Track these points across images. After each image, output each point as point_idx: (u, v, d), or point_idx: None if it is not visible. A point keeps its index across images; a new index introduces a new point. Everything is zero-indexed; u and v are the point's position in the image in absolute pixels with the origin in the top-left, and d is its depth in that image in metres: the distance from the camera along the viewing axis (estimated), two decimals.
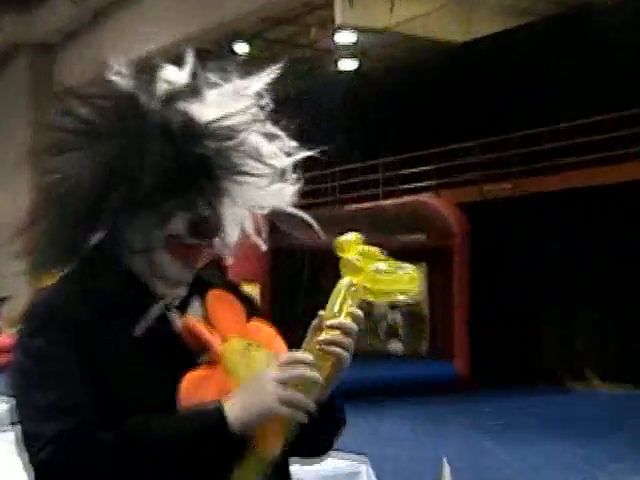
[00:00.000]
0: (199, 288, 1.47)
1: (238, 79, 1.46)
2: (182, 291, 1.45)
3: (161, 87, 1.42)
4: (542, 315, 14.02)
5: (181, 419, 1.32)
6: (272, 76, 1.48)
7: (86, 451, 1.27)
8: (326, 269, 12.51)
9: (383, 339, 15.45)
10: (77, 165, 1.39)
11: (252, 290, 12.19)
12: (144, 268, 1.43)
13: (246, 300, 1.52)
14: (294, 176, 1.49)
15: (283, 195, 1.48)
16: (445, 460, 1.96)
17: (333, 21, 15.60)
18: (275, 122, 1.49)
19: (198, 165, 1.38)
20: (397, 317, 15.14)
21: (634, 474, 7.28)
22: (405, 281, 1.37)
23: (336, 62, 17.94)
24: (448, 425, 9.56)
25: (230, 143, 1.40)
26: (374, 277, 1.35)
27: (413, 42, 16.44)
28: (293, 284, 13.33)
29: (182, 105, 1.40)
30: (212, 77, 1.45)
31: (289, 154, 1.48)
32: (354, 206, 14.89)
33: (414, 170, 15.39)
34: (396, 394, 11.38)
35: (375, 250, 1.39)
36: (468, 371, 13.26)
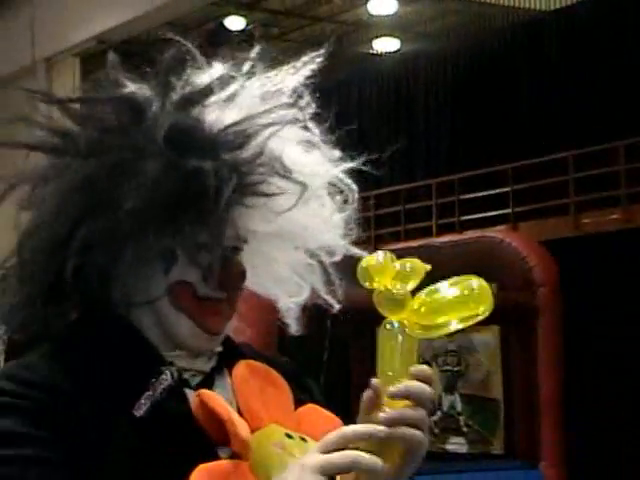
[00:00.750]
0: (232, 362, 1.51)
1: (266, 71, 1.54)
2: (204, 364, 1.50)
3: (174, 89, 1.50)
4: None
5: None
6: (313, 66, 1.56)
7: None
8: (361, 335, 12.64)
9: (439, 435, 15.46)
10: (47, 194, 1.47)
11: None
12: (151, 327, 1.49)
13: (301, 384, 1.57)
14: (343, 199, 1.55)
15: (330, 226, 1.53)
16: None
17: None
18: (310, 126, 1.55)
19: (196, 183, 1.43)
20: (457, 403, 15.12)
21: None
22: (471, 298, 1.40)
23: (369, 42, 18.29)
24: None
25: (244, 153, 1.45)
26: (425, 305, 1.37)
27: (477, 11, 16.71)
28: (315, 355, 13.42)
29: (197, 110, 1.49)
30: (233, 69, 1.54)
31: (330, 167, 1.54)
32: (395, 245, 14.97)
33: (481, 194, 15.75)
34: None
35: (416, 264, 1.41)
36: (561, 479, 13.27)
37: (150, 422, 1.41)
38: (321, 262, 1.58)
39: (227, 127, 1.48)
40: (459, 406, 15.95)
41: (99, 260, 1.44)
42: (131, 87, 1.52)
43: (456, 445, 15.30)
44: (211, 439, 1.42)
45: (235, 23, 18.08)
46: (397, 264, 1.39)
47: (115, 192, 1.42)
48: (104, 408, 1.41)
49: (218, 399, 1.44)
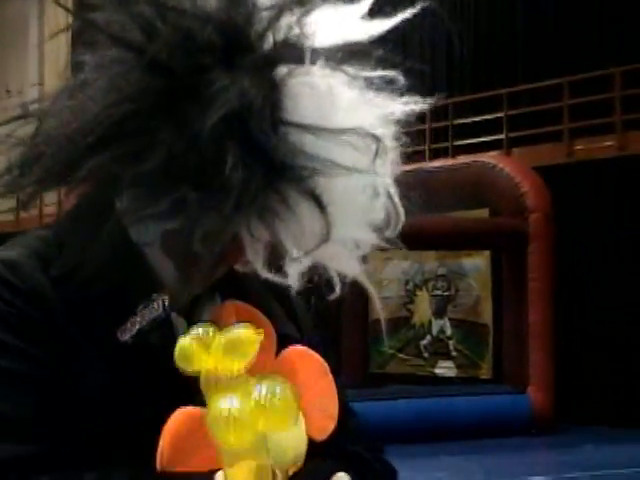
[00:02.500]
0: (226, 290, 1.48)
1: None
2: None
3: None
4: None
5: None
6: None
7: None
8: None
9: (428, 359, 16.03)
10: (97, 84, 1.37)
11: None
12: (150, 243, 1.44)
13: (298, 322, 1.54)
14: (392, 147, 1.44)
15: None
16: None
17: None
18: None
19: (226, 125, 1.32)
20: (446, 327, 15.51)
21: None
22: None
23: None
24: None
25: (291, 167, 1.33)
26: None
27: None
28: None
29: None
30: None
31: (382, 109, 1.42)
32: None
33: (475, 119, 15.80)
34: (447, 436, 11.76)
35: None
36: (548, 405, 13.71)
37: (132, 349, 1.39)
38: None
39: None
40: (448, 330, 16.59)
41: (122, 159, 1.36)
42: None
43: (445, 369, 15.83)
44: (187, 379, 1.37)
45: None
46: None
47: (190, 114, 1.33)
48: (88, 325, 1.39)
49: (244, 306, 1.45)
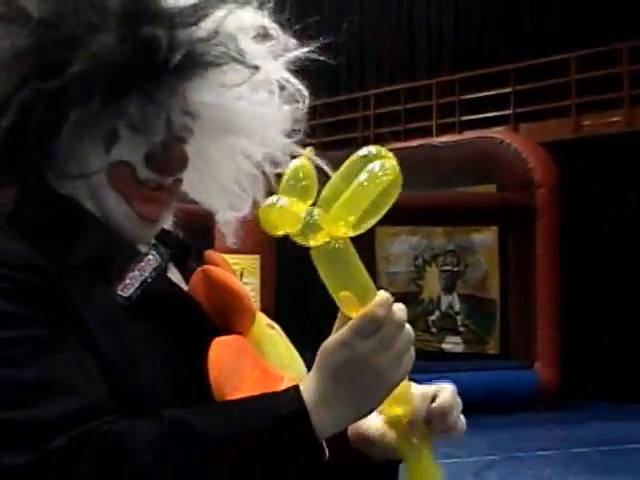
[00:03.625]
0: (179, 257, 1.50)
1: None
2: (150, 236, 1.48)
3: None
4: None
5: (244, 406, 1.32)
6: None
7: (120, 447, 1.25)
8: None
9: (436, 334, 16.16)
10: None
11: (251, 264, 12.50)
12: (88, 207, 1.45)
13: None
14: (297, 93, 1.50)
15: (278, 119, 1.49)
16: None
17: None
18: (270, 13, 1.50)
19: (148, 53, 1.39)
20: (455, 304, 15.50)
21: None
22: (376, 175, 1.31)
23: None
24: (527, 460, 10.02)
25: (199, 31, 1.42)
26: (340, 208, 1.31)
27: None
28: (306, 254, 13.60)
29: None
30: None
31: (286, 54, 1.50)
32: (395, 144, 15.16)
33: (481, 94, 15.82)
34: None
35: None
36: (555, 379, 13.78)
37: (142, 302, 1.38)
38: (265, 174, 1.54)
39: (185, 5, 1.43)
40: (457, 306, 16.60)
41: (40, 122, 1.39)
42: None
43: (452, 344, 15.87)
44: (210, 316, 1.42)
45: None
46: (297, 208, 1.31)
47: (65, 58, 1.38)
48: (87, 287, 1.37)
49: (229, 275, 1.45)
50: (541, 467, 10.04)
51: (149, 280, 1.40)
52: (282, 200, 1.31)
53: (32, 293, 1.34)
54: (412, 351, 1.29)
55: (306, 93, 1.54)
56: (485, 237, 16.40)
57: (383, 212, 1.28)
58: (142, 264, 1.41)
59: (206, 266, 1.46)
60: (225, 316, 1.45)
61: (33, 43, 1.40)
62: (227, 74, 1.45)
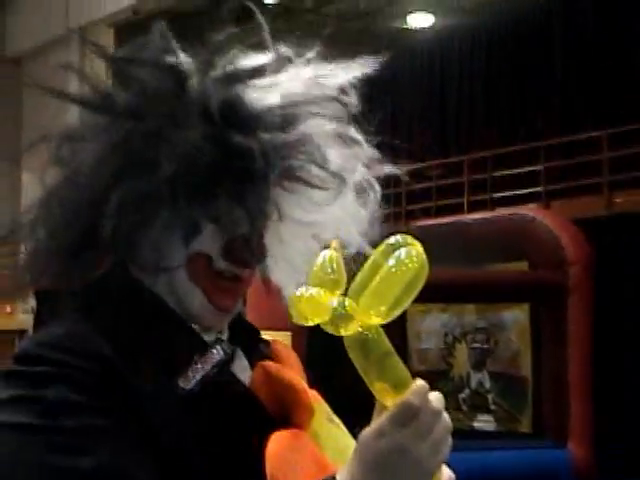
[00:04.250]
0: (238, 337, 1.54)
1: (320, 62, 1.55)
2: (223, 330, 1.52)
3: (218, 65, 1.52)
4: None
5: None
6: (367, 67, 1.56)
7: None
8: None
9: (466, 412, 15.71)
10: (81, 152, 1.48)
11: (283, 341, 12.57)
12: (165, 295, 1.48)
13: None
14: (373, 197, 1.56)
15: (357, 220, 1.54)
16: None
17: None
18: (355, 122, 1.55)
19: (240, 159, 1.43)
20: (485, 381, 15.29)
21: None
22: (403, 263, 1.34)
23: (404, 16, 18.57)
24: None
25: (287, 136, 1.44)
26: (370, 297, 1.34)
27: None
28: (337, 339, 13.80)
29: (240, 87, 1.48)
30: (286, 53, 1.55)
31: (367, 166, 1.56)
32: (426, 221, 15.34)
33: (513, 171, 15.94)
34: None
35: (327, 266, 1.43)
36: (590, 459, 13.39)
37: (203, 396, 1.41)
38: None
39: (271, 108, 1.48)
40: (487, 384, 16.10)
41: (130, 222, 1.42)
42: (176, 56, 1.54)
43: (484, 423, 15.41)
44: (269, 412, 1.45)
45: None
46: (329, 297, 1.37)
47: (152, 157, 1.42)
48: (150, 379, 1.39)
49: (287, 370, 1.50)
50: None
51: (211, 374, 1.42)
52: (311, 290, 1.34)
53: (97, 383, 1.34)
54: (449, 439, 1.30)
55: (379, 194, 1.58)
56: (516, 314, 15.93)
57: (411, 299, 1.29)
58: (206, 358, 1.43)
59: (265, 362, 1.48)
60: (284, 410, 1.46)
61: (124, 137, 1.43)
62: (312, 180, 1.48)
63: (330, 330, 1.33)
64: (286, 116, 1.48)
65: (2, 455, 1.33)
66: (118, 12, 22.91)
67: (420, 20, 20.60)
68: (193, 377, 1.41)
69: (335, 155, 1.52)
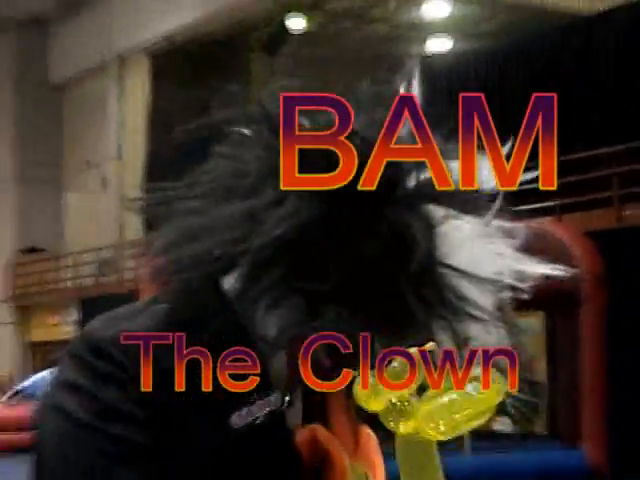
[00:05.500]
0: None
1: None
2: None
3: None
4: None
5: None
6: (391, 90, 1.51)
7: None
8: None
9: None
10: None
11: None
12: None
13: None
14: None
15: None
16: None
17: None
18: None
19: (408, 298, 1.38)
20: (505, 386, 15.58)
21: None
22: (488, 399, 1.33)
23: (423, 41, 18.94)
24: None
25: (452, 312, 1.40)
26: (435, 411, 1.31)
27: (525, 13, 17.53)
28: None
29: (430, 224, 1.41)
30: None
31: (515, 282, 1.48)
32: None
33: (527, 187, 15.67)
34: None
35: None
36: (604, 460, 13.74)
37: (246, 437, 1.41)
38: None
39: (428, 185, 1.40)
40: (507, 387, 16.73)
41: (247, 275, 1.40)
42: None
43: (502, 424, 15.34)
44: (305, 468, 1.45)
45: (296, 23, 19.09)
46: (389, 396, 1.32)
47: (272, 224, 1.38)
48: (202, 408, 1.40)
49: (334, 440, 1.46)
50: None
51: (261, 419, 1.40)
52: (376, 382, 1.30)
53: (153, 403, 1.36)
54: None
55: None
56: (531, 322, 16.10)
57: (473, 426, 1.29)
58: (262, 402, 1.40)
59: (315, 426, 1.45)
60: (322, 475, 1.46)
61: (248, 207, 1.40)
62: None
63: (387, 424, 1.32)
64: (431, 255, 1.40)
65: (55, 437, 1.39)
66: (153, 41, 23.64)
67: (439, 45, 21.12)
68: (246, 417, 1.40)
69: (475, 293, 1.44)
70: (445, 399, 1.26)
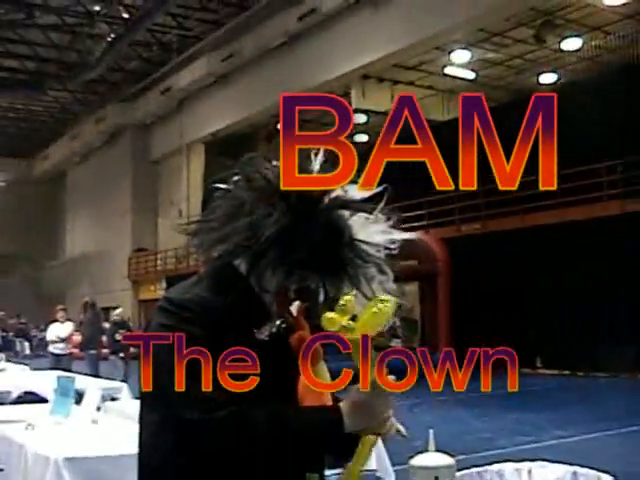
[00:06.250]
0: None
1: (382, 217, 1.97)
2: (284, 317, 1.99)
3: (338, 192, 1.93)
4: (504, 318, 20.97)
5: (310, 412, 1.90)
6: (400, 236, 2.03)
7: (247, 423, 1.81)
8: None
9: (387, 337, 20.03)
10: (264, 213, 1.92)
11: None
12: (260, 295, 1.95)
13: None
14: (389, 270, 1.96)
15: (382, 285, 1.95)
16: (431, 431, 2.72)
17: (350, 105, 24.37)
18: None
19: (338, 261, 1.91)
20: (397, 321, 23.12)
21: (570, 437, 10.65)
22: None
23: (352, 136, 25.99)
24: (432, 400, 11.66)
25: (363, 262, 1.91)
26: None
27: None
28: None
29: (344, 218, 1.94)
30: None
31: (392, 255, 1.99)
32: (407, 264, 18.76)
33: (411, 214, 21.16)
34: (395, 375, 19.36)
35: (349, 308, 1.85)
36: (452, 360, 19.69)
37: (266, 342, 1.96)
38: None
39: (360, 240, 1.96)
40: (397, 323, 22.55)
41: (269, 260, 1.93)
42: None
43: (395, 342, 21.24)
44: (295, 356, 1.94)
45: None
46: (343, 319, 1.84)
47: (290, 242, 1.90)
48: (239, 327, 1.95)
49: (308, 334, 1.98)
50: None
51: (274, 331, 2.00)
52: (332, 314, 1.81)
53: (213, 327, 1.90)
54: (391, 410, 1.90)
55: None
56: (412, 287, 23.19)
57: (380, 327, 1.86)
58: (271, 324, 1.99)
59: (302, 332, 2.02)
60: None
61: (289, 227, 1.94)
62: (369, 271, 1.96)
63: (343, 333, 1.80)
64: (367, 249, 1.94)
65: (161, 360, 1.88)
66: (206, 136, 30.93)
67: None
68: (264, 332, 1.96)
69: (383, 262, 1.95)
70: (365, 317, 1.81)
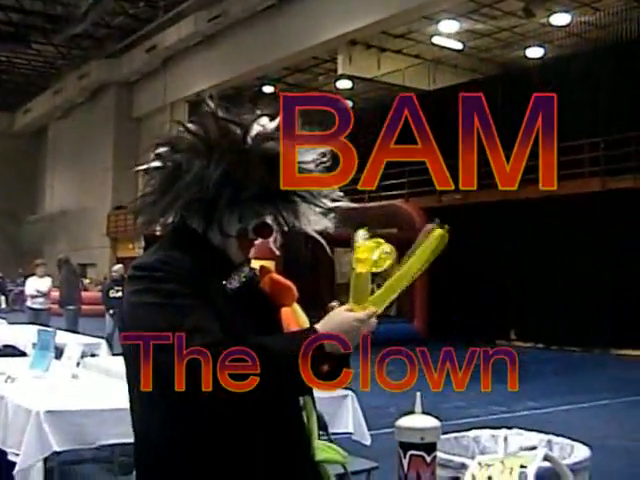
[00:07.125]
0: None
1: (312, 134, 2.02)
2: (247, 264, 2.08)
3: (257, 128, 2.07)
4: (480, 290, 21.21)
5: (290, 335, 2.00)
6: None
7: (236, 355, 1.83)
8: (322, 252, 20.20)
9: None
10: (201, 166, 2.00)
11: (270, 265, 21.58)
12: (222, 246, 2.05)
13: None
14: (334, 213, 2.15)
15: (328, 221, 2.15)
16: (418, 394, 2.64)
17: (335, 71, 23.97)
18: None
19: (283, 190, 1.98)
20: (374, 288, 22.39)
21: (543, 408, 10.79)
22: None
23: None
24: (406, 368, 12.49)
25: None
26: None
27: (393, 88, 24.15)
28: (300, 261, 19.60)
29: (273, 144, 2.03)
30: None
31: (336, 200, 2.15)
32: (345, 205, 21.08)
33: (392, 182, 21.59)
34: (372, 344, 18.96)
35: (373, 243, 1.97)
36: (425, 330, 19.69)
37: (236, 292, 2.03)
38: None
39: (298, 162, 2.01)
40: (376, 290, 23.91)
41: (224, 206, 2.04)
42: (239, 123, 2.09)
43: None
44: (272, 300, 2.07)
45: (268, 88, 26.83)
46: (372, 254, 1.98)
47: (244, 179, 2.02)
48: (209, 281, 2.01)
49: (279, 276, 2.10)
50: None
51: (243, 280, 2.07)
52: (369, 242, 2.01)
53: (188, 282, 1.95)
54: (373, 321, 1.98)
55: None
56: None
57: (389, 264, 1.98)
58: (240, 272, 2.07)
59: (272, 274, 2.16)
60: (280, 297, 2.13)
61: (228, 167, 2.05)
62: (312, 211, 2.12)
63: (360, 268, 1.91)
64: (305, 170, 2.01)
65: (143, 318, 1.92)
66: (190, 95, 31.14)
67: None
68: (232, 281, 2.03)
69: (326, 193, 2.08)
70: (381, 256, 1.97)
